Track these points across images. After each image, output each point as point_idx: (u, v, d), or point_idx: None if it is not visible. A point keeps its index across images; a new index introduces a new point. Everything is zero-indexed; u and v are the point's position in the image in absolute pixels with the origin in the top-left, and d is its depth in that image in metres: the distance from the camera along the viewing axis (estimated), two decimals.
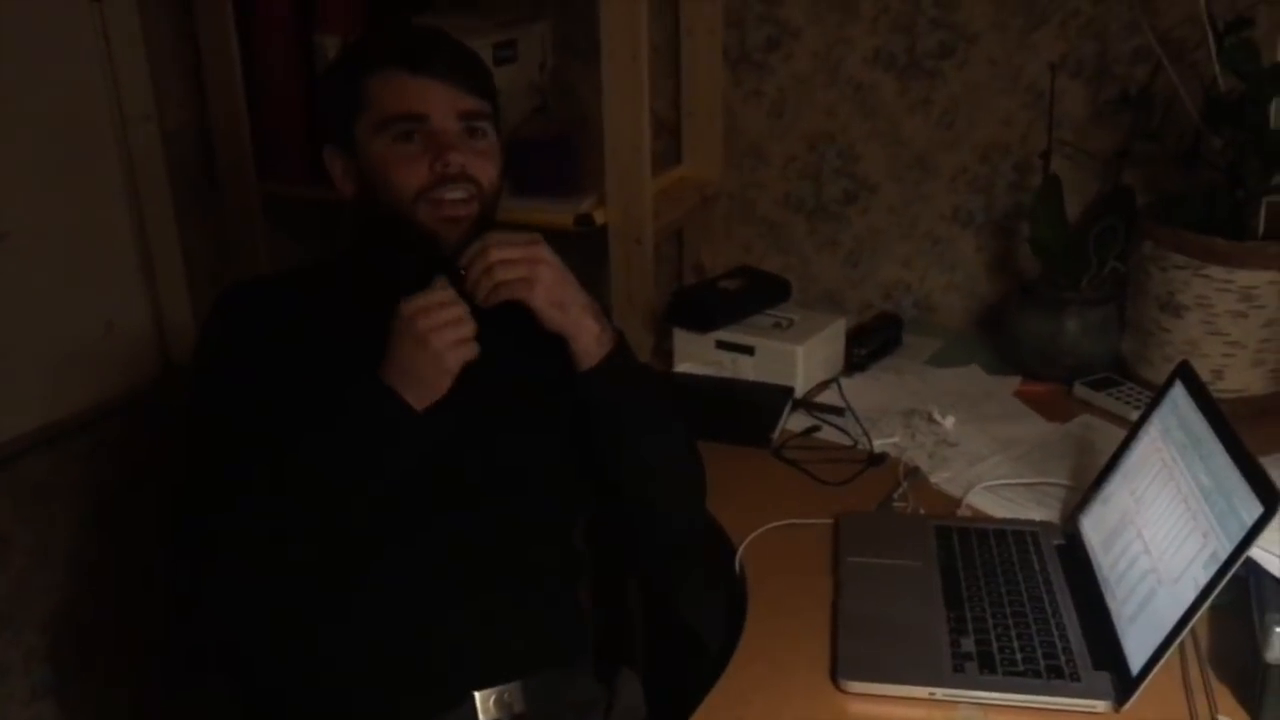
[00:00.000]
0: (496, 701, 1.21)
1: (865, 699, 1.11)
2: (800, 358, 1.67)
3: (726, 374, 1.71)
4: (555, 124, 1.82)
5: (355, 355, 1.16)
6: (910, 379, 1.75)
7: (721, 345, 1.71)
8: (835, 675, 1.12)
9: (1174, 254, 1.57)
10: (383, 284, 1.21)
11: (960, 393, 1.69)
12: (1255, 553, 1.08)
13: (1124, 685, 1.09)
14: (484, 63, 1.29)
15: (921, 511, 1.42)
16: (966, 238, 1.90)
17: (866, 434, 1.57)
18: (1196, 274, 1.55)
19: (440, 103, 1.21)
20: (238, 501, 1.12)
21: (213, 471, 1.16)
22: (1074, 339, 1.68)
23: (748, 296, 1.77)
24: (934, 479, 1.48)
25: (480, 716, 1.20)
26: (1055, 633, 1.17)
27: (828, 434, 1.60)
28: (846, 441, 1.58)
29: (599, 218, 1.72)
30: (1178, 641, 1.06)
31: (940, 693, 1.09)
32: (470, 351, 1.15)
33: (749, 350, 1.69)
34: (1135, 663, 1.09)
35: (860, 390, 1.70)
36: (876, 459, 1.53)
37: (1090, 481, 1.37)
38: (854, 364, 1.77)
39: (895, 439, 1.57)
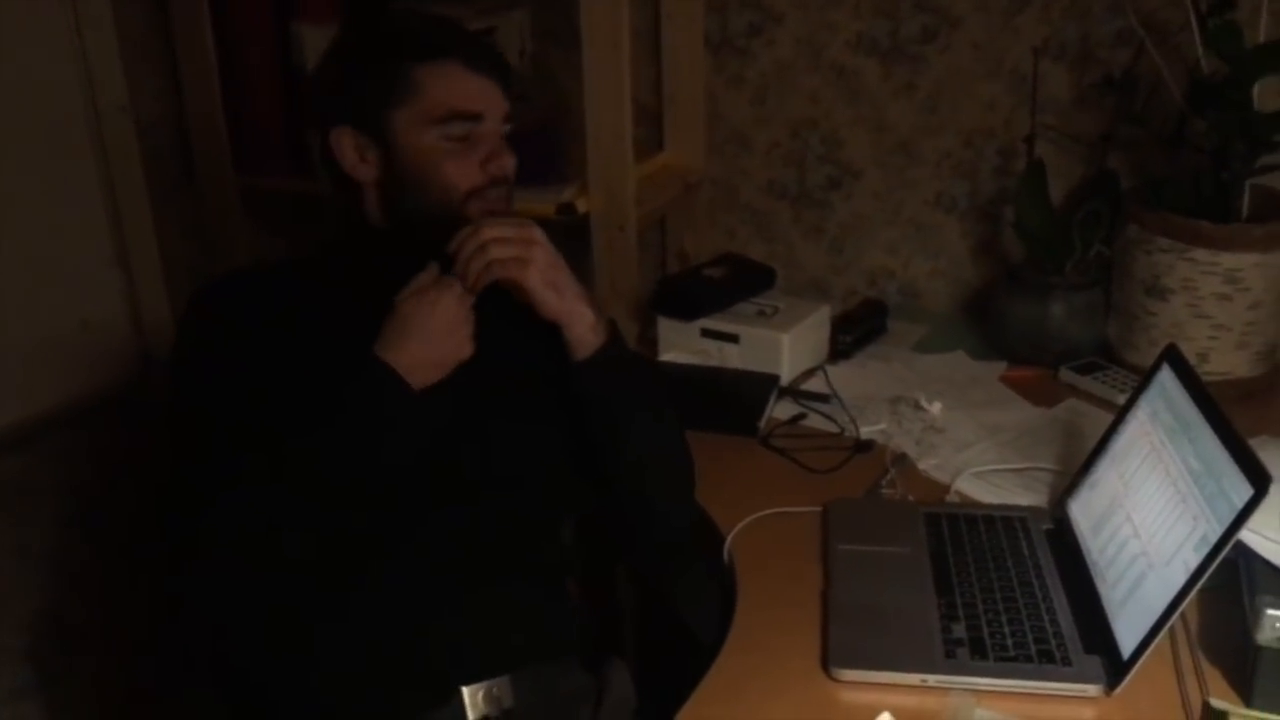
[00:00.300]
0: (485, 696, 1.20)
1: (857, 687, 1.10)
2: (786, 345, 1.66)
3: (712, 362, 1.70)
4: (536, 112, 1.81)
5: (352, 345, 1.15)
6: (896, 365, 1.74)
7: (707, 334, 1.70)
8: (827, 664, 1.12)
9: (1159, 237, 1.56)
10: (386, 275, 1.19)
11: (946, 379, 1.69)
12: (1245, 535, 1.07)
13: (1115, 669, 1.08)
14: None
15: (910, 498, 1.41)
16: (951, 223, 1.89)
17: (853, 421, 1.57)
18: (1181, 257, 1.54)
19: (492, 103, 1.21)
20: (230, 496, 1.10)
21: (201, 467, 1.13)
22: (1059, 324, 1.67)
23: (732, 284, 1.76)
24: (922, 465, 1.47)
25: (469, 712, 1.19)
26: (1046, 617, 1.16)
27: (814, 421, 1.60)
28: (833, 429, 1.57)
29: (581, 206, 1.71)
30: (1169, 625, 1.05)
31: (933, 679, 1.09)
32: (469, 340, 1.16)
33: (734, 338, 1.68)
34: (1126, 647, 1.09)
35: (846, 377, 1.69)
36: (864, 446, 1.52)
37: (1078, 466, 1.36)
38: (839, 351, 1.76)
39: (882, 426, 1.56)
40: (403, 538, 1.18)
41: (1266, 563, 1.10)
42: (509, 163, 1.22)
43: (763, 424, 1.57)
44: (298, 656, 1.18)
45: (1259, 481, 1.01)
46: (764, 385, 1.63)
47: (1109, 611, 1.15)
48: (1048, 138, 1.75)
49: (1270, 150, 1.52)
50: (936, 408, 1.59)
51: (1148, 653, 1.06)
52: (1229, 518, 1.03)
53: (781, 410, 1.62)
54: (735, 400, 1.61)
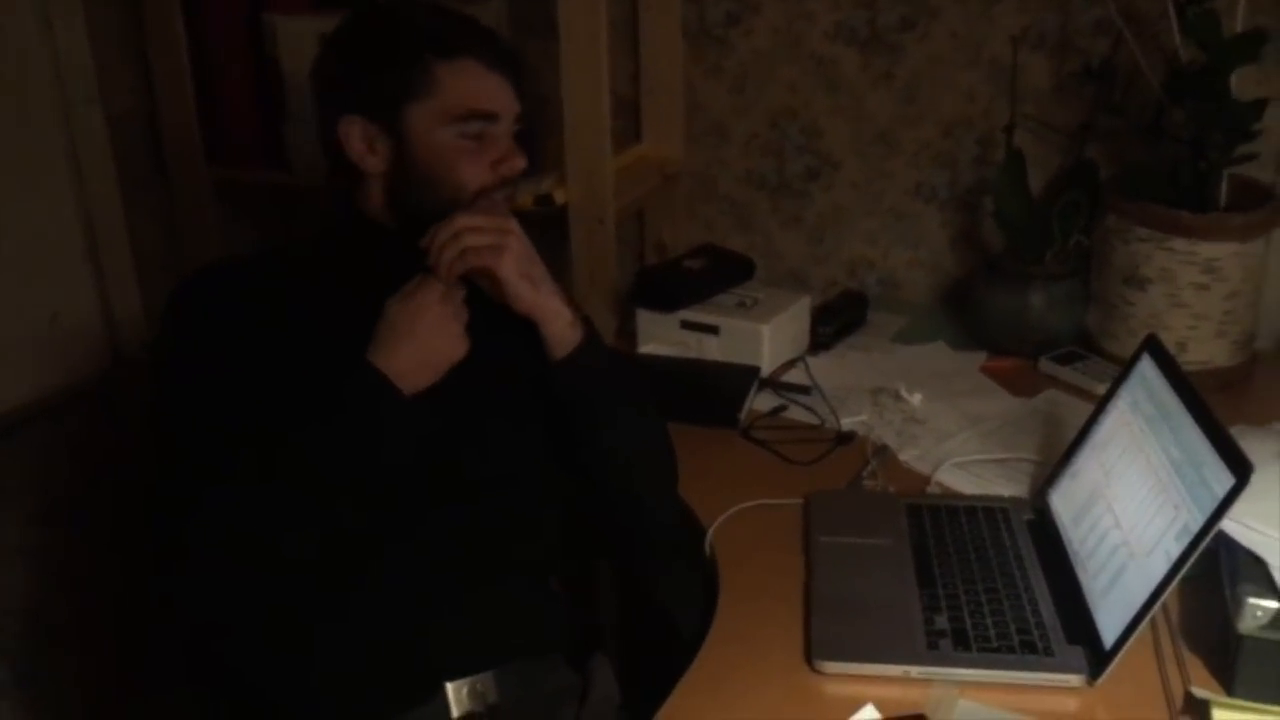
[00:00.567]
0: (470, 692, 1.19)
1: (840, 679, 1.10)
2: (766, 337, 1.65)
3: (691, 354, 1.69)
4: None
5: (346, 340, 1.14)
6: (876, 356, 1.74)
7: (686, 325, 1.69)
8: (810, 656, 1.11)
9: (1138, 227, 1.57)
10: (384, 270, 1.18)
11: (927, 369, 1.68)
12: (1225, 524, 1.07)
13: (1097, 659, 1.08)
14: None
15: (891, 489, 1.41)
16: (930, 213, 1.89)
17: (834, 412, 1.56)
18: (1160, 247, 1.55)
19: (508, 104, 1.20)
20: (219, 494, 1.08)
21: (189, 464, 1.11)
22: (1039, 314, 1.67)
23: (712, 276, 1.76)
24: (903, 456, 1.47)
25: (453, 708, 1.18)
26: (1028, 608, 1.16)
27: (795, 413, 1.59)
28: (814, 420, 1.57)
29: (559, 198, 1.69)
30: (1151, 614, 1.05)
31: (916, 671, 1.09)
32: (462, 338, 1.15)
33: (714, 330, 1.68)
34: (1108, 637, 1.08)
35: (826, 369, 1.69)
36: (845, 438, 1.51)
37: (1058, 456, 1.36)
38: (819, 342, 1.75)
39: (863, 417, 1.56)
40: (397, 536, 1.17)
41: (1247, 552, 1.10)
42: (520, 165, 1.21)
43: (743, 416, 1.57)
44: (287, 655, 1.17)
45: (1240, 471, 1.01)
46: (744, 377, 1.62)
47: (1091, 602, 1.14)
48: (1026, 127, 1.75)
49: (1248, 139, 1.52)
50: (917, 399, 1.59)
51: (1130, 642, 1.06)
52: (1210, 507, 1.03)
53: (762, 402, 1.61)
54: (715, 392, 1.60)
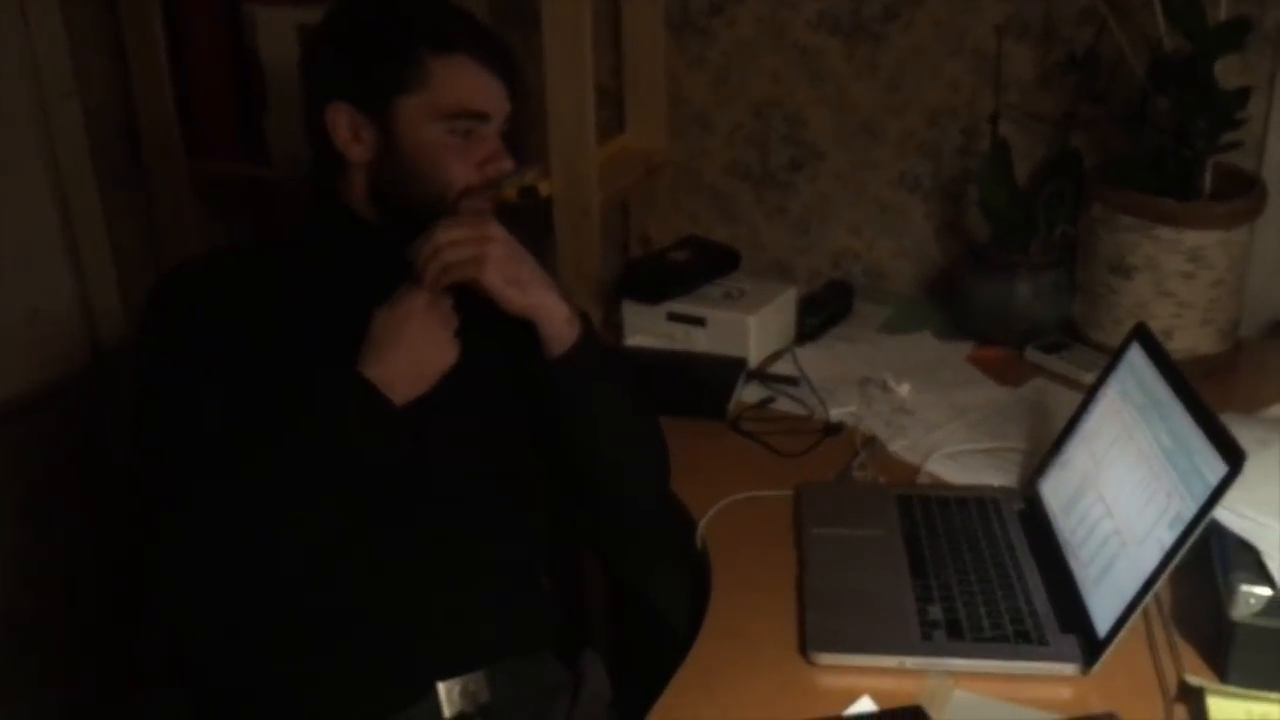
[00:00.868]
0: (462, 692, 1.17)
1: (835, 670, 1.09)
2: (753, 328, 1.65)
3: (678, 346, 1.68)
4: None
5: (332, 336, 1.12)
6: (862, 347, 1.74)
7: (673, 317, 1.68)
8: (804, 648, 1.11)
9: (1123, 216, 1.57)
10: (368, 265, 1.16)
11: (913, 359, 1.68)
12: (1217, 511, 1.07)
13: (1091, 648, 1.08)
14: None
15: (881, 480, 1.40)
16: (915, 203, 1.89)
17: (823, 403, 1.56)
18: (1145, 235, 1.55)
19: (499, 104, 1.18)
20: (207, 498, 1.07)
21: (175, 467, 1.10)
22: (1025, 303, 1.67)
23: (698, 267, 1.75)
24: (892, 447, 1.47)
25: (445, 708, 1.17)
26: (1021, 598, 1.16)
27: (782, 404, 1.59)
28: (802, 412, 1.56)
29: (544, 190, 1.68)
30: (1145, 603, 1.06)
31: (910, 662, 1.08)
32: (452, 345, 1.14)
33: (701, 322, 1.67)
34: (1102, 625, 1.09)
35: (813, 359, 1.68)
36: (833, 429, 1.51)
37: (1047, 446, 1.36)
38: (805, 333, 1.75)
39: (851, 408, 1.55)
40: (380, 537, 1.16)
41: (1238, 539, 1.10)
42: (507, 166, 1.20)
43: (731, 408, 1.56)
44: (274, 656, 1.16)
45: (1233, 458, 1.01)
46: (732, 368, 1.61)
47: (1083, 591, 1.15)
48: (1010, 117, 1.75)
49: (1232, 128, 1.52)
50: (905, 389, 1.58)
51: (1124, 631, 1.06)
52: (1203, 495, 1.03)
53: (750, 393, 1.60)
54: (703, 384, 1.59)
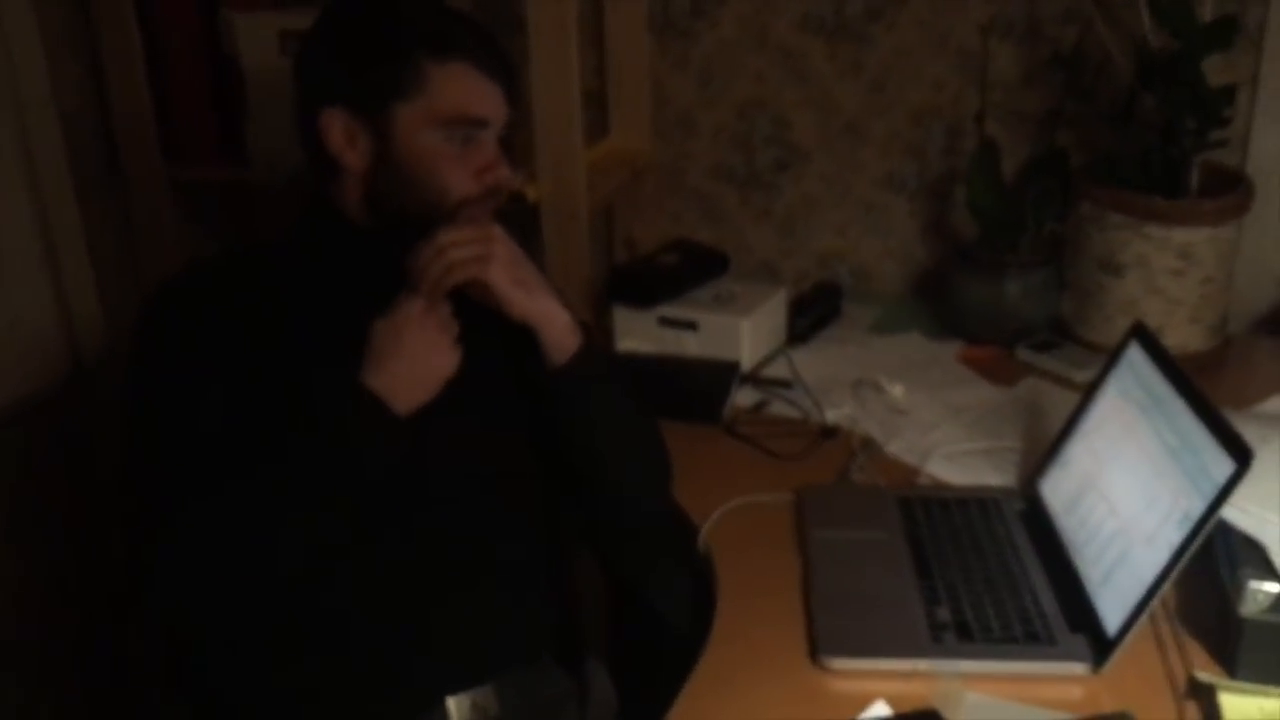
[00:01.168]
0: (472, 706, 1.16)
1: (847, 675, 1.09)
2: (746, 331, 1.64)
3: (670, 351, 1.67)
4: None
5: (330, 343, 1.11)
6: (853, 348, 1.74)
7: (664, 321, 1.67)
8: (815, 653, 1.10)
9: (1112, 214, 1.57)
10: (364, 273, 1.15)
11: (905, 360, 1.68)
12: (1222, 509, 1.08)
13: (1101, 647, 1.08)
14: None
15: (881, 482, 1.40)
16: (900, 203, 1.89)
17: (818, 406, 1.55)
18: (1135, 233, 1.56)
19: (498, 111, 1.16)
20: (208, 509, 1.06)
21: (173, 479, 1.08)
22: (1015, 302, 1.68)
23: (687, 271, 1.74)
24: (889, 449, 1.47)
25: None
26: (1028, 598, 1.16)
27: (777, 408, 1.58)
28: (796, 415, 1.56)
29: (531, 194, 1.66)
30: (1155, 601, 1.06)
31: (923, 665, 1.08)
32: (452, 352, 1.12)
33: (692, 325, 1.66)
34: (1111, 624, 1.09)
35: (805, 362, 1.68)
36: (829, 431, 1.51)
37: (1043, 444, 1.37)
38: (796, 335, 1.75)
39: (846, 410, 1.55)
40: (379, 539, 1.14)
41: (1244, 535, 1.11)
42: (505, 175, 1.17)
43: (726, 412, 1.55)
44: (275, 671, 1.14)
45: (1240, 456, 1.01)
46: (725, 372, 1.61)
47: (1090, 590, 1.15)
48: (996, 116, 1.75)
49: (1219, 125, 1.54)
50: (898, 390, 1.58)
51: (1135, 629, 1.06)
52: (1212, 493, 1.03)
53: (743, 397, 1.60)
54: (697, 389, 1.58)
